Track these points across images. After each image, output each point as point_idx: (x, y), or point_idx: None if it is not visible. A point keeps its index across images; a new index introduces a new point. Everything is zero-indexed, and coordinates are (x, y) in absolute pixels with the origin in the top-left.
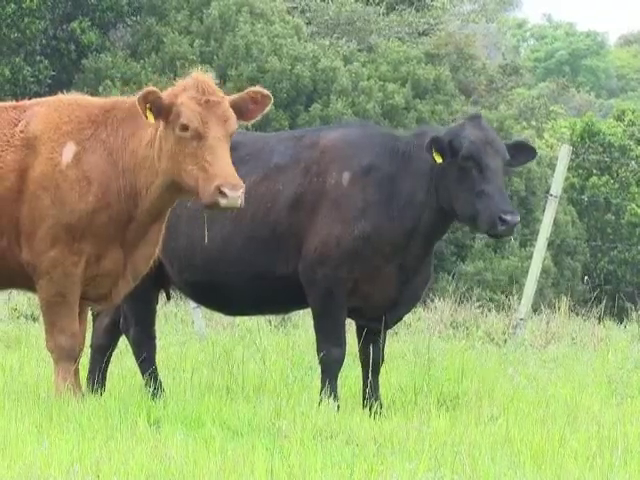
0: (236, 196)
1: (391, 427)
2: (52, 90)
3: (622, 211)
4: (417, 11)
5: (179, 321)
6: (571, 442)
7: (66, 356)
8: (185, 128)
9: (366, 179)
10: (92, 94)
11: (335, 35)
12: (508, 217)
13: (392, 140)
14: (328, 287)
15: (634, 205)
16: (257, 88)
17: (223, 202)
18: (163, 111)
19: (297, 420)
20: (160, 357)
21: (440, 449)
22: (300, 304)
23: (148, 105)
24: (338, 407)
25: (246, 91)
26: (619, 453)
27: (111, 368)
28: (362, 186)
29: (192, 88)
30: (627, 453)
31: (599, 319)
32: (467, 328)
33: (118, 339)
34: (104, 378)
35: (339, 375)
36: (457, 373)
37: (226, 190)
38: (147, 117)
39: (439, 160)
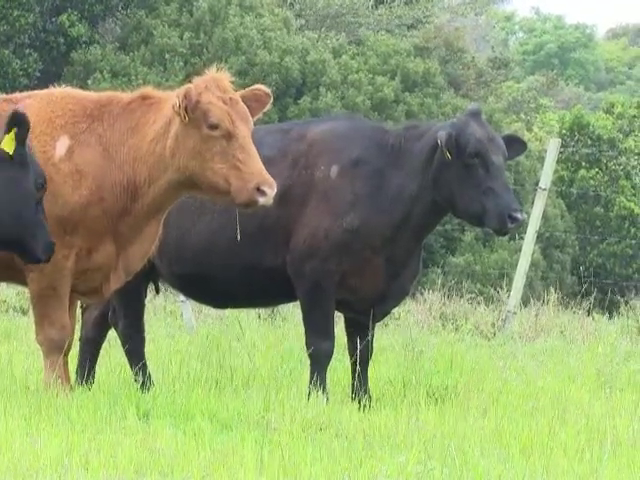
0: (273, 194)
1: (380, 420)
2: (41, 83)
3: (611, 204)
4: (406, 4)
5: (168, 314)
6: (560, 435)
7: (55, 349)
8: (215, 127)
9: (355, 172)
10: (81, 87)
11: (324, 28)
12: (518, 215)
13: (381, 133)
14: (316, 280)
15: (623, 198)
16: (259, 86)
17: (262, 200)
18: (188, 109)
19: (286, 413)
20: (149, 350)
21: (429, 442)
22: (289, 297)
23: (185, 104)
24: (327, 400)
25: (249, 89)
26: (608, 446)
27: (100, 361)
28: (351, 179)
29: (214, 86)
30: (616, 446)
31: (588, 312)
32: (456, 321)
33: (107, 332)
34: (93, 371)
35: (328, 368)
36: (446, 366)
37: (265, 189)
38: (184, 117)
39: (448, 156)
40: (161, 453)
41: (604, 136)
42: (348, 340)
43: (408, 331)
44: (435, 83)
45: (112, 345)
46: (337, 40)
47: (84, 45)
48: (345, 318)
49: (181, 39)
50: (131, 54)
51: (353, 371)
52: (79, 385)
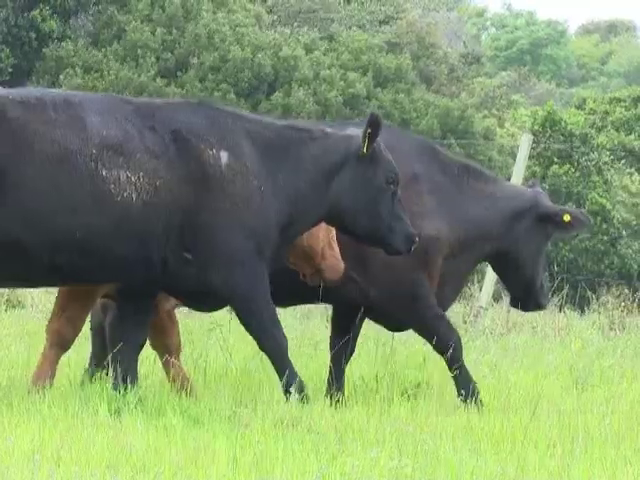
0: None
1: (352, 416)
2: (13, 78)
3: (583, 200)
4: (378, 0)
5: None
6: (532, 430)
7: (58, 343)
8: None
9: (414, 187)
10: (53, 82)
11: (296, 24)
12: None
13: (435, 150)
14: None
15: (595, 194)
16: None
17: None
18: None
19: (258, 409)
20: None
21: (402, 438)
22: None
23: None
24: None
25: None
26: (580, 441)
27: (71, 357)
28: (411, 192)
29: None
30: (588, 441)
31: (560, 308)
32: None
33: None
34: (104, 360)
35: (300, 364)
36: (419, 362)
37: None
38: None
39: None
40: (133, 449)
41: (576, 132)
42: (331, 336)
43: (381, 327)
44: (407, 79)
45: (83, 341)
46: (309, 36)
47: (56, 40)
48: (333, 315)
49: (153, 35)
50: (103, 50)
51: (333, 367)
52: (89, 373)
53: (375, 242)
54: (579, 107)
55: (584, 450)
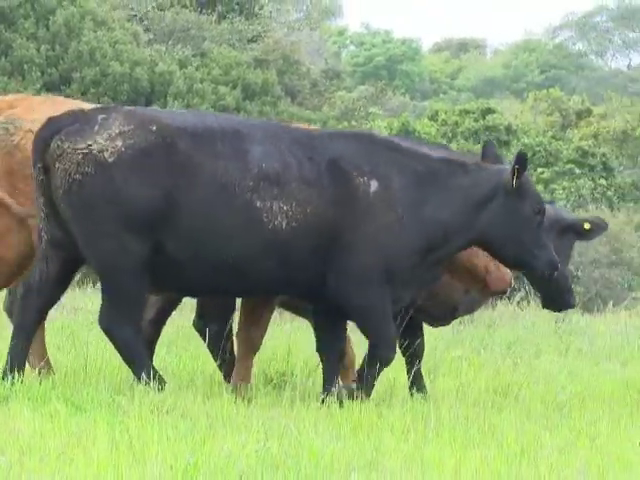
0: None
1: (222, 403)
2: None
3: None
4: (247, 19)
5: None
6: (388, 416)
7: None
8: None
9: None
10: None
11: (171, 42)
12: None
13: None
14: None
15: None
16: None
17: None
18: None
19: (136, 397)
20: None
21: (267, 423)
22: None
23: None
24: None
25: None
26: (431, 426)
27: None
28: None
29: None
30: (439, 426)
31: None
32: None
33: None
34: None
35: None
36: (284, 353)
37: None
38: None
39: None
40: (20, 433)
41: (429, 141)
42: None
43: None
44: (273, 92)
45: None
46: (183, 53)
47: None
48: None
49: (38, 51)
50: None
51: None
52: None
53: (519, 267)
54: (432, 118)
55: (436, 434)
